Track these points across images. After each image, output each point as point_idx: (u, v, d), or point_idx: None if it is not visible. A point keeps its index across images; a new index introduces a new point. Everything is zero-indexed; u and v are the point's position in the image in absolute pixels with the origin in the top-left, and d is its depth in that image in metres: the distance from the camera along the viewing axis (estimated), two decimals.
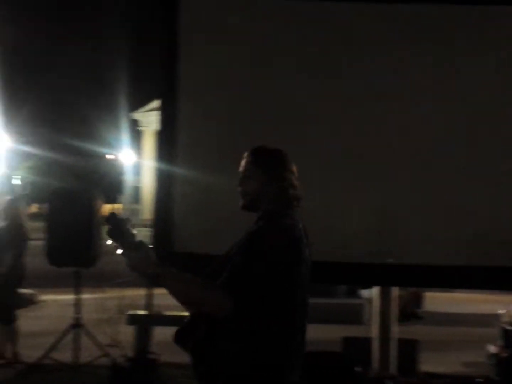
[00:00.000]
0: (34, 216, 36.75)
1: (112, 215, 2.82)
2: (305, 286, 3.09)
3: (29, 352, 7.97)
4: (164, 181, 6.40)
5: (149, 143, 52.26)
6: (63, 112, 59.04)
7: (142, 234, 11.73)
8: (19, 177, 53.67)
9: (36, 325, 9.85)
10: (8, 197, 8.44)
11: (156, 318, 7.86)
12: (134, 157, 59.90)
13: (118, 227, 2.82)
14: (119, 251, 2.79)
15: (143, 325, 7.42)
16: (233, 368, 2.91)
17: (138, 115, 54.85)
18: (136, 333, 7.73)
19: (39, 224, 12.17)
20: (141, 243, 2.81)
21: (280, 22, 6.15)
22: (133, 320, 7.88)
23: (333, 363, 5.85)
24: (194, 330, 2.94)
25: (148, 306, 7.09)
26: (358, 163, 6.11)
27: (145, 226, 28.22)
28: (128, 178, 62.88)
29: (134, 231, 2.83)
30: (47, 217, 7.68)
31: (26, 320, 7.97)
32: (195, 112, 6.14)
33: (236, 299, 2.84)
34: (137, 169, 59.15)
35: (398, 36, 6.11)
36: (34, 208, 58.28)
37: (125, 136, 56.01)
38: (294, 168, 3.21)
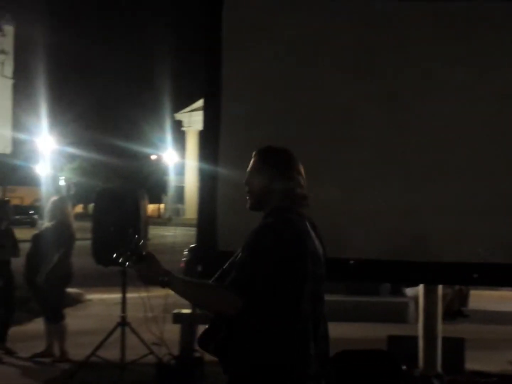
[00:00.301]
0: (79, 216, 37.23)
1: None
2: (316, 280, 3.10)
3: (76, 351, 8.09)
4: (207, 181, 6.43)
5: (192, 143, 52.53)
6: (108, 113, 59.68)
7: (186, 233, 11.76)
8: (64, 178, 54.36)
9: (83, 323, 9.99)
10: (54, 198, 8.58)
11: (201, 317, 7.92)
12: (177, 157, 60.31)
13: (125, 244, 2.95)
14: (127, 264, 2.90)
15: (188, 323, 7.48)
16: (246, 364, 2.98)
17: (181, 115, 55.19)
18: (181, 331, 7.80)
19: (84, 224, 12.34)
20: (146, 255, 2.91)
21: (323, 22, 6.13)
22: (178, 318, 7.96)
23: (379, 362, 5.82)
24: (215, 334, 3.01)
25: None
26: (404, 163, 6.07)
27: (188, 225, 28.38)
28: (172, 178, 63.31)
29: (141, 243, 2.96)
30: (93, 217, 7.79)
31: (73, 319, 8.09)
32: (238, 112, 6.16)
33: (245, 296, 2.90)
34: (181, 169, 59.54)
35: (447, 35, 6.04)
36: (79, 208, 59.03)
37: (168, 137, 56.43)
38: (301, 167, 3.27)
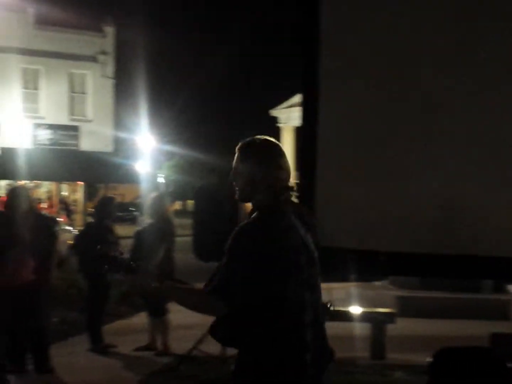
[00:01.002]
0: (177, 213, 37.83)
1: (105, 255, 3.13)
2: (305, 268, 3.22)
3: (179, 344, 8.26)
4: (305, 177, 6.45)
5: (288, 139, 52.54)
6: (204, 111, 60.37)
7: None
8: (163, 175, 55.35)
9: (185, 317, 10.15)
10: (153, 195, 8.76)
11: None
12: None
13: (114, 260, 3.13)
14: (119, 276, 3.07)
15: None
16: (248, 354, 3.08)
17: (277, 111, 55.32)
18: None
19: (183, 221, 12.54)
20: (137, 266, 3.06)
21: (419, 16, 6.04)
22: None
23: (483, 359, 5.71)
24: (222, 323, 3.12)
25: None
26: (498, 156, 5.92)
27: None
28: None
29: (125, 257, 3.16)
30: (194, 213, 7.91)
31: (175, 313, 8.23)
32: (336, 108, 6.14)
33: (226, 300, 3.04)
34: None
35: None
36: (177, 205, 59.98)
37: (264, 133, 56.61)
38: (283, 159, 3.35)
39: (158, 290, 3.18)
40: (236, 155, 3.32)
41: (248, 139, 3.39)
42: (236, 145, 3.38)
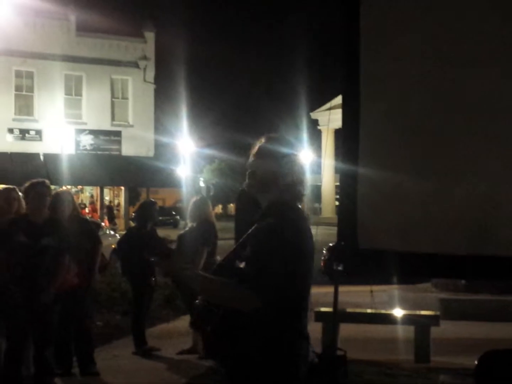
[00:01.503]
0: (218, 217, 37.95)
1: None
2: (311, 275, 3.28)
3: None
4: (347, 179, 6.42)
5: (328, 141, 52.40)
6: (245, 114, 60.56)
7: (324, 232, 11.78)
8: (204, 179, 55.61)
9: None
10: (195, 198, 8.78)
11: (343, 315, 7.92)
12: (313, 156, 60.43)
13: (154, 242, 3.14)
14: (153, 259, 3.02)
15: (330, 322, 7.49)
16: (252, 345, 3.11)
17: (317, 114, 55.23)
18: (323, 329, 7.83)
19: (224, 224, 12.57)
20: (171, 251, 3.03)
21: (461, 15, 5.98)
22: (320, 316, 7.99)
23: None
24: (208, 317, 3.11)
25: (334, 303, 7.13)
26: None
27: (326, 224, 28.35)
28: (308, 177, 63.41)
29: (166, 239, 3.14)
30: (236, 216, 7.92)
31: None
32: (376, 109, 6.11)
33: (260, 295, 3.03)
34: (317, 168, 59.63)
35: None
36: (218, 209, 60.18)
37: (305, 136, 56.61)
38: (298, 155, 3.46)
39: (190, 278, 3.12)
40: (263, 144, 3.35)
41: (271, 134, 3.43)
42: (278, 148, 3.39)
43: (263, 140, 3.38)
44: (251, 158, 3.34)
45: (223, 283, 3.14)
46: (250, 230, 3.30)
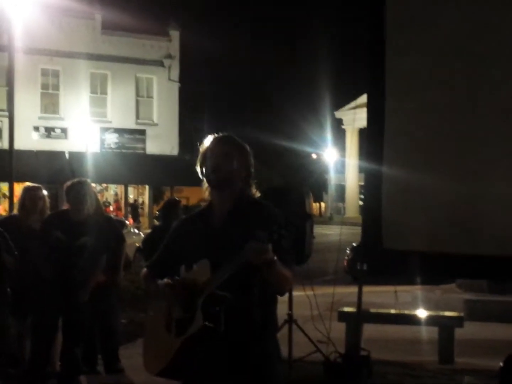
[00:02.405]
0: None
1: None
2: None
3: None
4: (372, 179, 6.41)
5: (352, 141, 52.26)
6: (269, 113, 60.53)
7: (348, 232, 11.73)
8: None
9: None
10: None
11: (367, 315, 7.90)
12: (337, 156, 60.26)
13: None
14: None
15: (354, 322, 7.47)
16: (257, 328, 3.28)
17: (341, 113, 55.09)
18: (346, 329, 7.81)
19: None
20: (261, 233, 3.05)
21: (487, 11, 5.93)
22: (344, 316, 7.97)
23: None
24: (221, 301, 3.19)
25: (358, 303, 7.13)
26: None
27: (349, 224, 28.27)
28: (332, 177, 63.29)
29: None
30: None
31: None
32: (402, 109, 6.09)
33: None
34: (341, 168, 59.47)
35: None
36: None
37: (329, 135, 56.53)
38: None
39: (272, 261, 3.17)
40: (229, 144, 3.45)
41: (229, 134, 3.54)
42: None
43: (227, 141, 3.49)
44: (221, 158, 3.40)
45: (282, 262, 3.22)
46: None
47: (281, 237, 3.08)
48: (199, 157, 3.49)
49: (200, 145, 3.52)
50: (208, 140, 3.49)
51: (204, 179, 3.47)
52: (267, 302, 3.36)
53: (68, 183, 6.81)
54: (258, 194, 3.55)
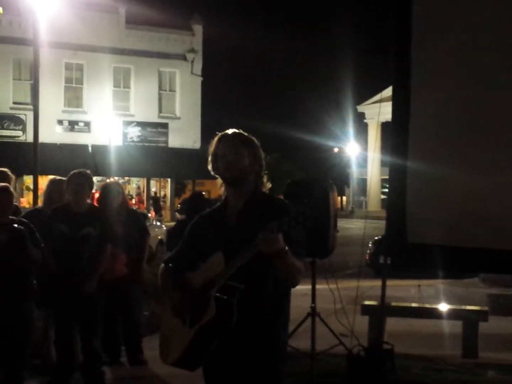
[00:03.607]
0: None
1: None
2: None
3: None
4: (396, 173, 6.39)
5: (374, 135, 52.05)
6: (291, 107, 60.57)
7: (370, 226, 11.74)
8: None
9: None
10: None
11: (390, 309, 7.88)
12: (359, 150, 60.08)
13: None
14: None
15: (377, 315, 7.46)
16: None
17: (363, 107, 54.92)
18: (369, 323, 7.79)
19: None
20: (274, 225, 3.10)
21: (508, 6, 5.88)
22: (367, 310, 7.96)
23: None
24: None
25: (382, 297, 7.12)
26: None
27: (371, 218, 28.20)
28: (354, 171, 63.12)
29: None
30: None
31: None
32: (428, 103, 6.06)
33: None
34: (363, 162, 59.29)
35: None
36: None
37: (351, 129, 56.38)
38: None
39: (283, 251, 3.19)
40: (239, 141, 3.49)
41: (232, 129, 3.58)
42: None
43: (241, 133, 3.54)
44: (235, 154, 3.44)
45: (294, 254, 3.26)
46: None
47: (291, 227, 3.10)
48: (210, 156, 3.54)
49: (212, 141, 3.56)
50: (216, 139, 3.54)
51: (218, 176, 3.52)
52: (279, 293, 3.42)
53: (70, 174, 6.81)
54: (269, 185, 3.58)
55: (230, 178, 3.46)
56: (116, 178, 31.74)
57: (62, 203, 6.89)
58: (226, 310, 3.22)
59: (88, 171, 6.81)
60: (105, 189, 7.61)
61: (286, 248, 3.14)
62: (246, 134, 3.54)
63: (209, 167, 3.56)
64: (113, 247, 6.96)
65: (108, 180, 8.76)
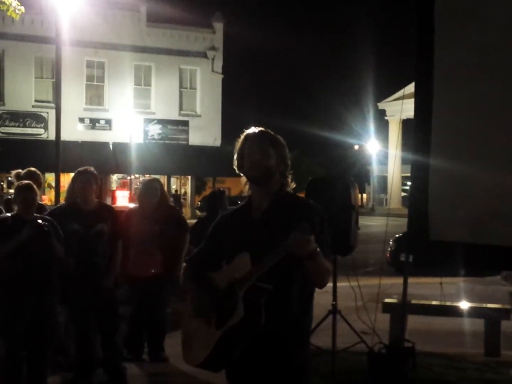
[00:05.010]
0: None
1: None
2: None
3: None
4: (418, 171, 6.37)
5: (395, 132, 51.87)
6: (312, 104, 60.51)
7: (390, 223, 11.67)
8: None
9: None
10: None
11: (412, 307, 7.86)
12: (380, 147, 59.88)
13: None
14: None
15: (398, 313, 7.44)
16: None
17: (384, 104, 54.72)
18: (391, 320, 7.78)
19: None
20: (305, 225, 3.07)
21: None
22: (388, 308, 7.95)
23: None
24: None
25: (403, 294, 7.11)
26: None
27: (392, 215, 28.12)
28: (374, 168, 62.95)
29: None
30: None
31: None
32: (450, 100, 6.03)
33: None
34: (383, 159, 59.12)
35: None
36: None
37: (371, 126, 56.22)
38: None
39: (315, 252, 3.16)
40: (265, 139, 3.46)
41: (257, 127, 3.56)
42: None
43: (267, 132, 3.51)
44: (263, 152, 3.42)
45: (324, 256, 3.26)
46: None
47: (324, 229, 3.09)
48: (236, 155, 3.51)
49: (239, 138, 3.53)
50: (243, 137, 3.51)
51: (242, 174, 3.50)
52: (305, 296, 3.40)
53: (75, 173, 6.82)
54: (294, 185, 3.55)
55: (256, 177, 3.43)
56: (137, 175, 31.84)
57: (69, 202, 6.91)
58: (255, 312, 3.19)
59: (93, 168, 6.80)
60: (143, 186, 7.63)
61: (318, 249, 3.12)
62: (273, 133, 3.50)
63: (234, 165, 3.53)
64: (149, 245, 6.98)
65: (147, 177, 8.77)
